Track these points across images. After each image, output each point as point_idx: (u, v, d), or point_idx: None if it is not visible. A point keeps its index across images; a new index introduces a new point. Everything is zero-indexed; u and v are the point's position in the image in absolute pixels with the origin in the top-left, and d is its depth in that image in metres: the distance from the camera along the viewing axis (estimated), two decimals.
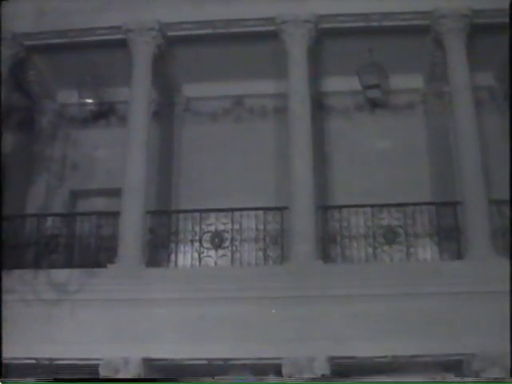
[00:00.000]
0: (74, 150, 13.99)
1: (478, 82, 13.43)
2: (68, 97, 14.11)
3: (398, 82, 13.61)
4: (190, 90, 14.11)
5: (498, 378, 10.02)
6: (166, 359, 11.05)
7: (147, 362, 10.92)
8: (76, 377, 11.45)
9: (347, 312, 10.79)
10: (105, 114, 14.08)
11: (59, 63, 13.40)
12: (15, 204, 13.23)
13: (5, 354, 10.82)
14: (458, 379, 10.29)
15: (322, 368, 10.68)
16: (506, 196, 12.22)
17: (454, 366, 11.15)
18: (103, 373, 10.81)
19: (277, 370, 10.97)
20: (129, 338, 10.84)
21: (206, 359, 11.09)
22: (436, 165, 13.17)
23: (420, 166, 13.28)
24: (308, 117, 12.13)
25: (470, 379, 10.27)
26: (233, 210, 11.71)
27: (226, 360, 11.07)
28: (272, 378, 11.00)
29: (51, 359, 11.03)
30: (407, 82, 13.73)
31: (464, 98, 12.05)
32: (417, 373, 11.48)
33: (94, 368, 10.92)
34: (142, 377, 10.93)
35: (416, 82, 13.86)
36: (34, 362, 11.10)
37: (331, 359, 10.73)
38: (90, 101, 13.33)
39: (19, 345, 10.76)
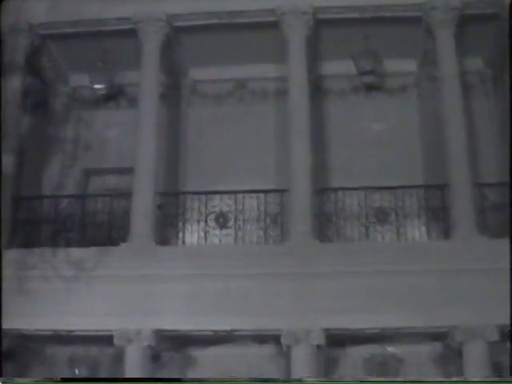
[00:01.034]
0: (87, 131, 14.56)
1: (467, 66, 14.12)
2: (80, 80, 14.63)
3: (392, 65, 14.08)
4: (195, 73, 14.66)
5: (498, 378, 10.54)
6: (175, 330, 11.86)
7: (157, 332, 11.74)
8: (92, 346, 12.40)
9: (341, 287, 11.53)
10: (115, 96, 14.66)
11: (72, 50, 13.96)
12: (32, 183, 14.01)
13: (27, 326, 11.80)
14: (458, 379, 10.47)
15: (317, 339, 11.51)
16: (494, 177, 13.08)
17: (439, 336, 11.99)
18: (117, 342, 11.66)
19: (276, 340, 11.79)
20: (141, 310, 11.61)
21: (212, 330, 11.93)
22: (428, 147, 13.67)
23: (413, 148, 13.83)
24: (306, 103, 12.76)
25: (469, 379, 10.53)
26: (236, 192, 12.42)
27: (229, 331, 11.88)
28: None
29: (69, 330, 11.87)
30: (401, 65, 14.22)
31: (451, 86, 12.60)
32: (405, 343, 12.41)
33: (109, 338, 11.75)
34: (153, 346, 11.79)
35: (409, 66, 14.34)
36: (52, 333, 11.93)
37: (326, 331, 11.52)
38: (100, 86, 13.88)
39: (40, 317, 11.67)
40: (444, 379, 10.24)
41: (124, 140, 14.07)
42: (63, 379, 10.35)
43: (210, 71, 14.53)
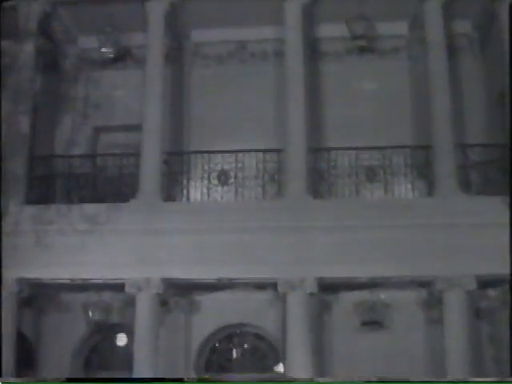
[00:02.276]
0: (96, 90, 15.23)
1: (456, 29, 14.89)
2: (88, 42, 15.24)
3: (384, 28, 14.58)
4: (198, 35, 15.35)
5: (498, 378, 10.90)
6: (181, 278, 12.89)
7: (165, 281, 12.75)
8: (104, 293, 13.43)
9: (333, 240, 12.49)
10: (122, 57, 15.35)
11: (80, 14, 14.69)
12: (45, 140, 14.86)
13: (44, 275, 12.82)
14: (458, 379, 10.60)
15: (310, 287, 12.52)
16: (480, 137, 13.88)
17: (424, 284, 13.00)
18: (128, 290, 12.69)
19: (274, 287, 12.78)
20: (149, 261, 12.61)
21: (214, 278, 12.96)
22: (416, 107, 14.36)
23: (402, 108, 14.53)
24: (302, 66, 13.50)
25: (469, 379, 10.82)
26: (236, 151, 13.30)
27: (230, 279, 12.92)
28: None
29: (84, 279, 12.91)
30: (393, 28, 14.80)
31: (437, 49, 13.38)
32: (392, 289, 13.44)
33: (120, 286, 12.78)
34: (161, 293, 12.78)
35: (401, 28, 14.98)
36: (68, 281, 12.94)
37: (319, 279, 12.53)
38: (108, 49, 14.64)
39: (56, 267, 12.67)
40: (444, 379, 10.43)
41: (131, 99, 14.77)
42: (68, 379, 10.71)
43: (211, 33, 15.16)
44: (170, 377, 13.13)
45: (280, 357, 13.92)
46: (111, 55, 14.87)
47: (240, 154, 13.31)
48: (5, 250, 12.34)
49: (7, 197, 12.71)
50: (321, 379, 11.79)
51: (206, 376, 13.79)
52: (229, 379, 11.54)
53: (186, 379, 9.63)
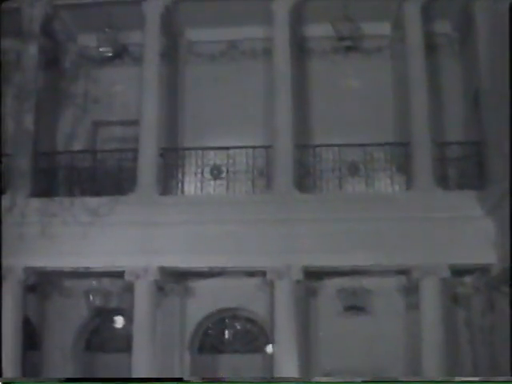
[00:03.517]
0: (95, 86, 15.79)
1: (437, 29, 15.54)
2: (88, 40, 15.92)
3: (368, 28, 15.20)
4: (192, 34, 16.00)
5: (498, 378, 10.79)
6: (176, 267, 13.77)
7: (162, 269, 13.59)
8: (104, 280, 14.29)
9: (318, 231, 13.30)
10: (120, 55, 16.08)
11: (80, 14, 15.41)
12: (47, 134, 15.60)
13: (49, 264, 13.66)
14: (457, 379, 10.50)
15: (297, 274, 13.36)
16: (459, 134, 14.57)
17: (403, 272, 13.88)
18: (127, 278, 13.53)
19: (263, 274, 13.61)
20: (147, 251, 13.42)
21: (207, 266, 13.83)
22: (398, 104, 15.03)
23: (385, 105, 15.18)
24: (289, 65, 14.19)
25: (470, 379, 10.63)
26: (228, 147, 14.09)
27: (222, 267, 13.80)
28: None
29: (86, 267, 13.76)
30: (377, 28, 15.43)
31: (416, 49, 14.08)
32: (373, 276, 14.33)
33: (119, 274, 13.62)
34: (158, 280, 13.63)
35: (384, 29, 15.61)
36: (71, 269, 13.81)
37: (305, 268, 13.38)
38: (107, 48, 15.40)
39: (61, 257, 13.48)
40: (444, 379, 10.54)
41: (128, 94, 15.51)
42: (68, 379, 10.86)
43: (204, 33, 15.81)
44: (167, 357, 14.19)
45: (269, 338, 14.74)
46: (109, 53, 15.57)
47: (231, 150, 14.06)
48: (12, 241, 13.16)
49: (14, 190, 13.51)
50: (321, 379, 12.39)
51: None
52: (228, 379, 11.84)
53: (184, 379, 9.83)
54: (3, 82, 14.27)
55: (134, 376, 12.97)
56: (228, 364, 15.33)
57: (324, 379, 12.26)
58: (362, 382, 9.62)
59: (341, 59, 15.75)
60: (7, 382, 9.94)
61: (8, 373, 13.08)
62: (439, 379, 10.64)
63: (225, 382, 10.41)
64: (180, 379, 9.96)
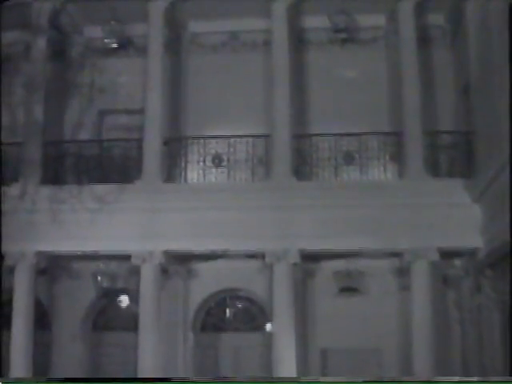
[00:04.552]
0: (100, 77, 16.04)
1: (430, 21, 16.02)
2: (93, 32, 16.50)
3: (364, 20, 15.77)
4: (194, 26, 16.53)
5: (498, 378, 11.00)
6: (180, 250, 14.42)
7: (166, 253, 14.25)
8: (111, 262, 14.96)
9: (314, 217, 13.91)
10: (124, 46, 16.65)
11: (86, 7, 15.98)
12: (55, 122, 16.14)
13: (60, 248, 14.34)
14: (457, 379, 10.46)
15: (294, 257, 14.00)
16: (450, 123, 15.10)
17: (396, 254, 14.45)
18: (134, 261, 14.17)
19: (262, 256, 14.23)
20: (152, 235, 14.06)
21: (209, 250, 14.49)
22: (392, 94, 15.48)
23: (380, 95, 15.66)
24: (287, 55, 14.71)
25: (470, 379, 10.87)
26: (229, 136, 14.70)
27: (223, 250, 14.45)
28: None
29: (94, 251, 14.45)
30: (372, 20, 15.92)
31: (408, 40, 14.61)
32: (368, 259, 14.98)
33: (126, 257, 14.27)
34: (163, 263, 14.30)
35: (379, 20, 16.07)
36: (80, 253, 14.49)
37: (301, 251, 14.02)
38: (112, 40, 15.98)
39: (71, 241, 14.12)
40: (444, 379, 10.33)
41: (133, 84, 15.95)
42: (66, 379, 10.95)
43: (206, 25, 16.34)
44: (171, 335, 14.90)
45: (268, 317, 15.44)
46: (114, 45, 16.14)
47: (232, 140, 14.65)
48: (24, 226, 13.87)
49: (25, 178, 14.17)
50: (322, 379, 13.00)
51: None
52: (230, 379, 11.91)
53: (190, 379, 9.81)
54: (12, 73, 14.79)
55: (141, 354, 13.65)
56: (229, 342, 16.04)
57: (324, 379, 12.63)
58: (363, 382, 9.69)
59: (337, 50, 16.19)
60: (7, 381, 10.05)
61: (21, 353, 13.78)
62: (439, 379, 10.73)
63: (226, 381, 10.56)
64: (186, 379, 10.02)
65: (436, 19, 16.02)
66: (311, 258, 14.73)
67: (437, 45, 16.01)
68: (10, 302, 14.27)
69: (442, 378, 11.17)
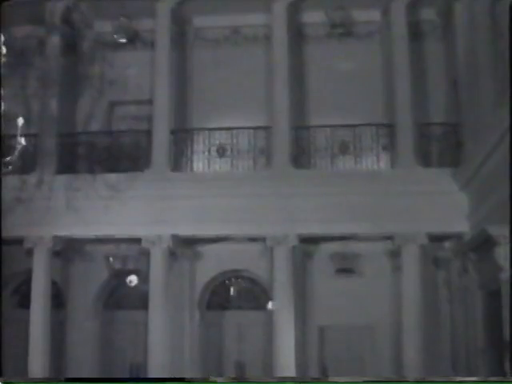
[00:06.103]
0: (110, 69, 16.57)
1: (422, 16, 16.75)
2: (103, 27, 17.24)
3: (360, 15, 16.57)
4: (198, 21, 17.28)
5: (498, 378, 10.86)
6: (187, 235, 15.38)
7: (174, 237, 15.20)
8: (122, 245, 15.91)
9: (312, 204, 14.76)
10: (132, 40, 17.52)
11: (97, 4, 16.81)
12: (67, 113, 16.95)
13: (75, 233, 15.28)
14: (458, 379, 10.57)
15: (293, 241, 14.93)
16: (441, 115, 15.85)
17: (388, 238, 15.37)
18: (144, 245, 15.13)
19: (264, 240, 15.15)
20: (161, 221, 14.94)
21: (214, 234, 15.44)
22: (387, 87, 16.19)
23: (375, 88, 16.34)
24: (286, 49, 15.52)
25: (469, 379, 10.48)
26: (232, 128, 15.57)
27: (227, 234, 15.39)
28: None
29: (107, 235, 15.40)
30: (368, 15, 16.65)
31: (400, 35, 15.40)
32: (362, 242, 15.91)
33: (136, 240, 15.25)
34: (171, 247, 15.26)
35: (375, 15, 16.76)
36: (94, 237, 15.47)
37: (300, 235, 14.97)
38: (121, 34, 16.85)
39: (85, 226, 15.00)
40: (444, 379, 10.27)
41: (141, 76, 16.72)
42: (67, 379, 11.07)
43: (210, 20, 17.08)
44: (178, 313, 15.89)
45: (269, 297, 16.29)
46: (123, 39, 17.01)
47: (235, 131, 15.52)
48: (41, 213, 14.81)
49: (42, 168, 15.12)
50: (321, 379, 13.59)
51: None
52: (234, 379, 11.85)
53: (187, 379, 9.92)
54: (26, 67, 15.65)
55: (151, 330, 14.67)
56: (233, 319, 16.97)
57: (324, 379, 13.05)
58: (363, 382, 9.77)
59: (335, 44, 16.90)
60: (7, 382, 9.99)
61: (38, 330, 14.80)
62: (439, 379, 10.27)
63: (229, 381, 10.65)
64: (182, 379, 10.00)
65: (428, 14, 16.69)
66: (310, 240, 15.58)
67: (428, 39, 16.66)
68: (28, 281, 15.31)
69: (442, 378, 11.22)
